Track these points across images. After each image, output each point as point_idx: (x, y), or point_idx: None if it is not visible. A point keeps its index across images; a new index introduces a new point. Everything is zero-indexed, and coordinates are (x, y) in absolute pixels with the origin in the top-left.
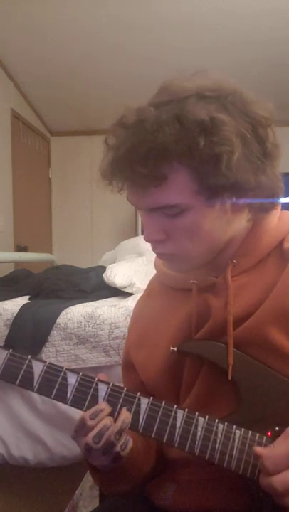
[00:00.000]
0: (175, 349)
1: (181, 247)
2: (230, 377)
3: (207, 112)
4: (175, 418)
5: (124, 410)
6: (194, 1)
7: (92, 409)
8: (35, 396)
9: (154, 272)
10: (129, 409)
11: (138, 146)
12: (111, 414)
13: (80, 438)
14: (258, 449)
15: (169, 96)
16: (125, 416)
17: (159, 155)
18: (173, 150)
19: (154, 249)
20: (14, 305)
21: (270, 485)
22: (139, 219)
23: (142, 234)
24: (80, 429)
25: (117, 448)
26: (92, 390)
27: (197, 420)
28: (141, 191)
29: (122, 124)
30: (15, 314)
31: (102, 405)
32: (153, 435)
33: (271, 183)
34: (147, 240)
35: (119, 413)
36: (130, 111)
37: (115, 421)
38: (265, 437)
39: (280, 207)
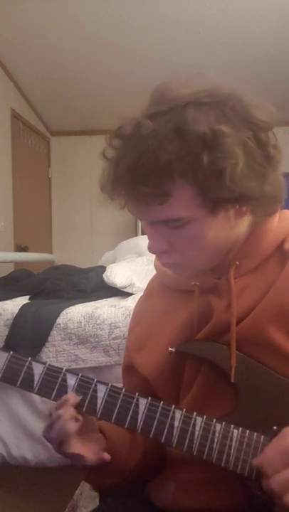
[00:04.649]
0: (173, 350)
1: (186, 257)
2: (232, 380)
3: (208, 122)
4: (173, 418)
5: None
6: (194, 1)
7: (59, 401)
8: (36, 396)
9: (154, 271)
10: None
11: (139, 164)
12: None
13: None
14: (255, 461)
15: (165, 105)
16: (71, 395)
17: (162, 173)
18: (176, 168)
19: (159, 258)
20: (14, 305)
21: (269, 487)
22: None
23: (142, 234)
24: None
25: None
26: (91, 390)
27: (195, 420)
28: (143, 208)
29: (119, 135)
30: (15, 314)
31: (68, 395)
32: (151, 435)
33: (274, 189)
34: (152, 252)
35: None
36: (128, 121)
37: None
38: (262, 436)
39: None
